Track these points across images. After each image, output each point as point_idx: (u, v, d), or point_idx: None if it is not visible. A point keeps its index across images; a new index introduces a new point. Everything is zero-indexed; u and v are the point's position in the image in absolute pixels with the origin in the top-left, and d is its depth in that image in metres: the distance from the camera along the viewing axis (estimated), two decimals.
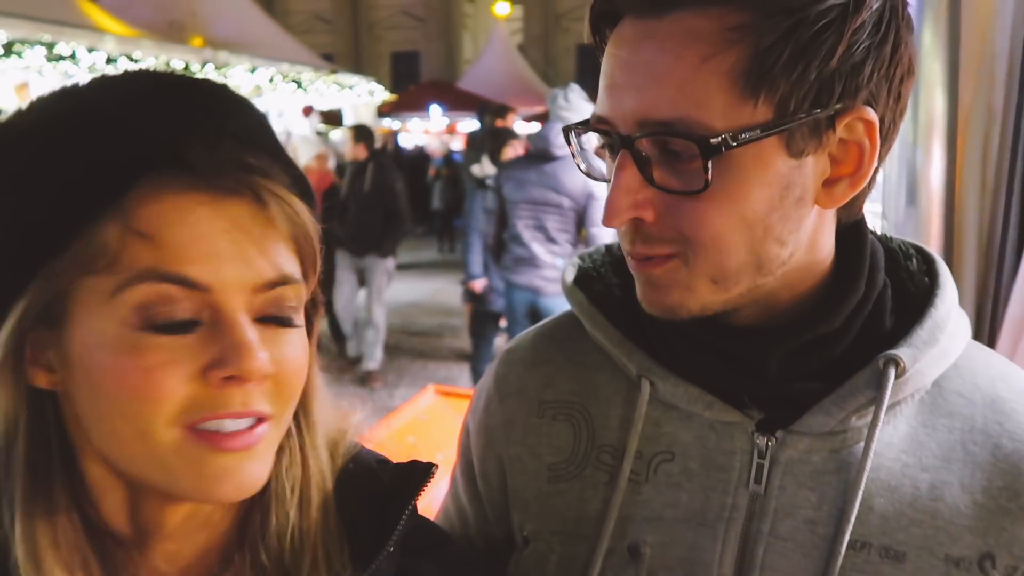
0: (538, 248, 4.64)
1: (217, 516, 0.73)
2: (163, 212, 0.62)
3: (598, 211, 4.65)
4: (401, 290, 10.64)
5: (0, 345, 0.64)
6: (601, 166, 0.85)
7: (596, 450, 0.89)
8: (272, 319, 0.67)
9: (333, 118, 11.76)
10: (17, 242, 0.64)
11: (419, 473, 0.80)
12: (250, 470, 0.66)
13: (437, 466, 0.82)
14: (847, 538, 0.77)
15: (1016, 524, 0.77)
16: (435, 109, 17.67)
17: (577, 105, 4.79)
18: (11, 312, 0.63)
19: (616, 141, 0.75)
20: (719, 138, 0.70)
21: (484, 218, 5.40)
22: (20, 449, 0.65)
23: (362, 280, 6.84)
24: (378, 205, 6.46)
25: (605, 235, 4.68)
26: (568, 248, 4.68)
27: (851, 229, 0.84)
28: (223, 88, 0.70)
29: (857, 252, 0.83)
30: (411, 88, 22.09)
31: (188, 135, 0.63)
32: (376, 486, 0.79)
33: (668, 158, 0.73)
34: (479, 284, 5.61)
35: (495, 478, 0.96)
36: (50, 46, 5.86)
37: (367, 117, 10.91)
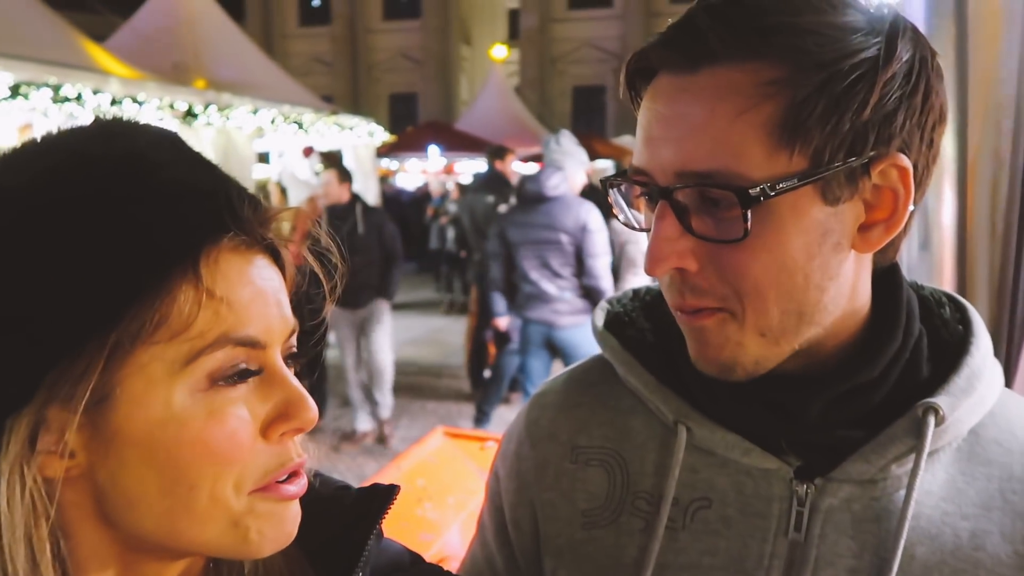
0: (546, 284, 5.03)
1: (198, 565, 0.72)
2: (228, 274, 0.61)
3: (594, 243, 4.97)
4: (398, 329, 10.63)
5: (17, 436, 0.55)
6: (640, 217, 0.86)
7: (632, 496, 0.88)
8: (290, 360, 0.68)
9: (333, 159, 11.86)
10: (48, 321, 0.55)
11: (381, 496, 0.79)
12: (298, 515, 0.67)
13: (399, 487, 0.81)
14: None
15: None
16: (433, 150, 17.83)
17: (569, 149, 5.14)
18: (35, 395, 0.55)
19: (655, 192, 0.77)
20: (757, 189, 0.71)
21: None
22: (22, 552, 0.56)
23: (360, 333, 6.32)
24: (375, 248, 6.06)
25: (603, 266, 4.99)
26: (573, 281, 5.01)
27: (886, 277, 0.85)
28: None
29: (893, 300, 0.84)
30: (409, 129, 22.30)
31: (237, 194, 0.64)
32: (339, 512, 0.78)
33: (707, 207, 0.75)
34: (503, 322, 5.73)
35: (527, 524, 0.95)
36: (56, 88, 5.92)
37: (366, 158, 10.99)
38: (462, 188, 9.58)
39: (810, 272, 0.77)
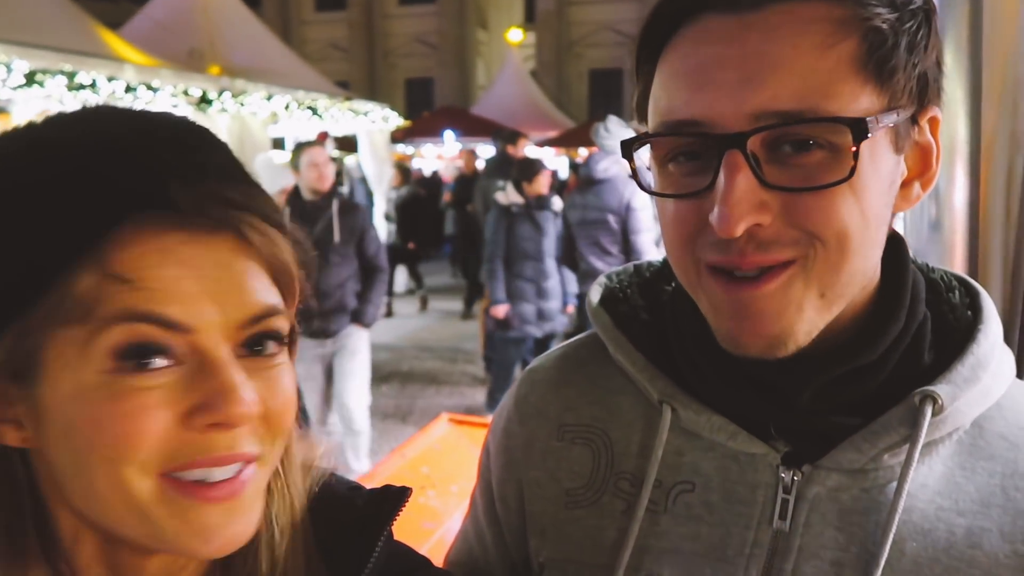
0: (596, 262, 5.34)
1: (196, 563, 0.71)
2: (144, 255, 0.60)
3: (637, 220, 5.26)
4: (412, 314, 10.65)
5: None
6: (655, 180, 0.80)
7: (615, 477, 0.86)
8: (260, 353, 0.65)
9: (347, 144, 11.87)
10: None
11: (393, 498, 0.78)
12: (238, 522, 0.63)
13: (411, 490, 0.80)
14: None
15: None
16: (449, 135, 17.80)
17: (616, 133, 5.34)
18: None
19: (721, 142, 0.70)
20: (866, 121, 0.67)
21: (502, 243, 5.86)
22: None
23: (330, 372, 4.82)
24: (351, 260, 4.71)
25: (647, 242, 5.30)
26: (620, 258, 5.35)
27: (891, 256, 0.81)
28: (197, 126, 0.69)
29: (899, 280, 0.80)
30: (425, 114, 22.27)
31: (169, 174, 0.61)
32: (350, 513, 0.77)
33: (780, 155, 0.70)
34: (502, 309, 5.91)
35: (513, 501, 0.94)
36: (71, 75, 5.95)
37: (381, 143, 10.99)
38: (486, 165, 9.66)
39: (880, 226, 0.73)
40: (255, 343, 0.65)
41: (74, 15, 7.68)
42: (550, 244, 5.97)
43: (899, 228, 1.50)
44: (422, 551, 0.86)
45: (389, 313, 10.44)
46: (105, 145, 0.63)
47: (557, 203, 6.10)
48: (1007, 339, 1.38)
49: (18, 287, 0.59)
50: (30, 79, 5.66)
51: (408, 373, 7.87)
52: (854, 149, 0.67)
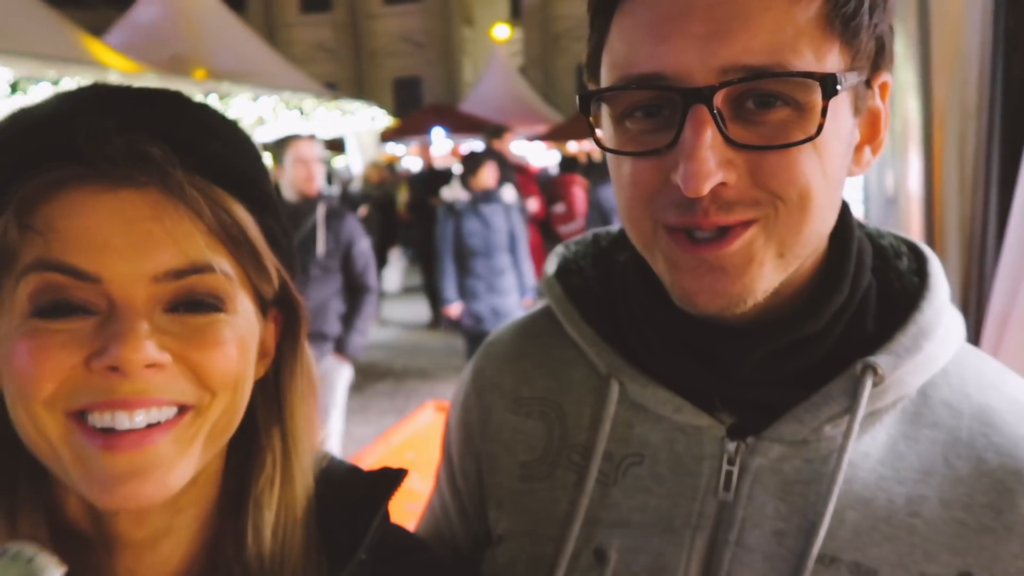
0: None
1: (180, 524, 0.72)
2: (58, 206, 0.63)
3: None
4: (405, 312, 10.67)
5: None
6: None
7: (567, 450, 0.87)
8: (183, 307, 0.66)
9: (335, 145, 11.88)
10: None
11: (390, 479, 0.79)
12: (145, 478, 0.63)
13: (407, 471, 0.81)
14: (815, 552, 0.73)
15: (999, 543, 0.73)
16: (438, 132, 17.78)
17: None
18: None
19: (687, 96, 0.67)
20: (837, 77, 0.67)
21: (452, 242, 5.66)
22: None
23: None
24: (336, 275, 4.08)
25: None
26: None
27: (838, 222, 0.79)
28: (165, 92, 0.70)
29: (843, 249, 0.80)
30: (413, 113, 22.25)
31: (79, 128, 0.63)
32: (348, 494, 0.78)
33: (745, 112, 0.69)
34: (454, 308, 5.82)
35: (473, 474, 0.95)
36: (55, 82, 5.95)
37: (370, 143, 11.00)
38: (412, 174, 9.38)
39: (838, 187, 0.73)
40: (188, 300, 0.66)
41: (57, 23, 7.67)
42: (499, 238, 5.75)
43: (858, 204, 1.55)
44: None
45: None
46: (45, 107, 0.67)
47: (508, 194, 5.87)
48: (963, 307, 1.43)
49: None
50: (14, 88, 5.66)
51: (403, 370, 7.89)
52: (823, 105, 0.67)
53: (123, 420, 0.62)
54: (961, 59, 1.38)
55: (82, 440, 0.63)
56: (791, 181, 0.69)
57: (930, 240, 1.43)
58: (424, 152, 11.13)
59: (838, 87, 0.67)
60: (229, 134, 0.72)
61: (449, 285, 5.75)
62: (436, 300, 8.64)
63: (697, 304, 0.73)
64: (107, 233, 0.63)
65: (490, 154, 6.36)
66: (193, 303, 0.66)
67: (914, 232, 1.43)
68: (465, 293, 5.74)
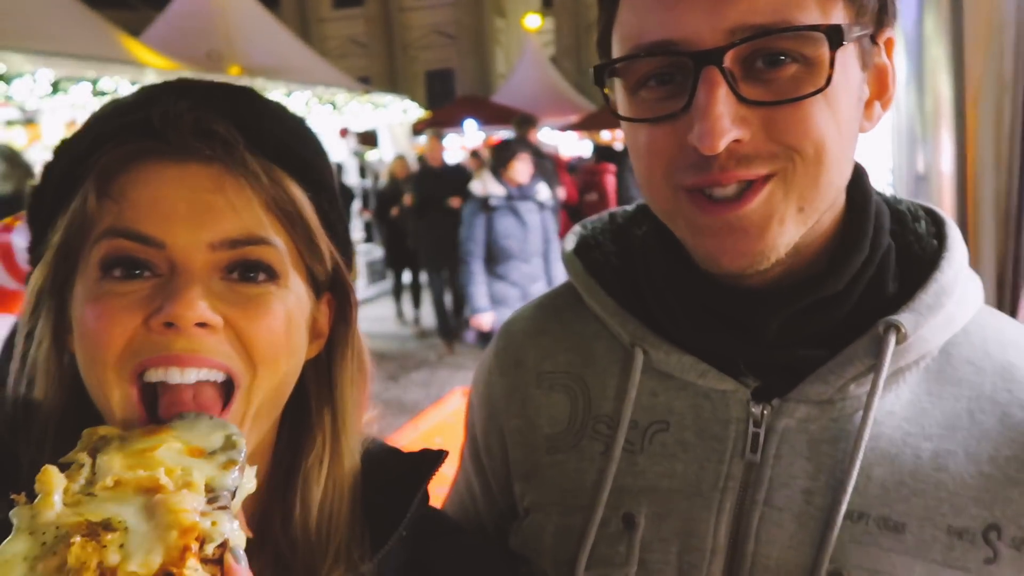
0: None
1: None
2: (132, 176, 0.69)
3: None
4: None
5: (41, 318, 0.72)
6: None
7: (592, 420, 0.89)
8: (238, 274, 0.70)
9: (368, 139, 11.96)
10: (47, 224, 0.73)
11: (430, 460, 0.82)
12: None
13: (447, 452, 0.83)
14: (844, 508, 0.75)
15: None
16: (470, 124, 17.79)
17: None
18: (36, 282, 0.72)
19: (698, 59, 0.70)
20: (842, 28, 0.69)
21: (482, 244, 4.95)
22: (53, 414, 0.71)
23: None
24: None
25: None
26: None
27: (855, 186, 0.81)
28: (239, 88, 0.76)
29: (862, 211, 0.81)
30: (446, 105, 22.28)
31: (155, 108, 0.69)
32: (389, 474, 0.81)
33: (755, 71, 0.71)
34: (487, 319, 5.13)
35: (497, 450, 0.97)
36: (94, 82, 6.09)
37: (402, 135, 11.06)
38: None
39: (851, 139, 0.75)
40: (243, 268, 0.70)
41: (96, 23, 7.84)
42: (536, 240, 5.17)
43: (887, 180, 1.51)
44: None
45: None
46: (132, 95, 0.74)
47: (543, 192, 5.32)
48: (1000, 282, 1.40)
49: (57, 200, 0.72)
50: (55, 87, 5.80)
51: (438, 360, 7.93)
52: (830, 56, 0.68)
53: (175, 375, 0.66)
54: (996, 30, 1.34)
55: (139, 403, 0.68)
56: (805, 133, 0.70)
57: (963, 217, 1.40)
58: (435, 148, 8.52)
59: (843, 39, 0.69)
60: (293, 124, 0.78)
61: (480, 291, 5.10)
62: (419, 305, 7.85)
63: (721, 264, 0.75)
64: (173, 202, 0.68)
65: (522, 144, 5.82)
66: (247, 272, 0.70)
67: (946, 209, 1.39)
68: (496, 301, 5.11)
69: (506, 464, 0.96)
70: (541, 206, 5.26)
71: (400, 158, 10.00)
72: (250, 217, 0.70)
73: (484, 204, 5.19)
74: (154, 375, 0.67)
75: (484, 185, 5.22)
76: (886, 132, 0.78)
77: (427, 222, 7.77)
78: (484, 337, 5.33)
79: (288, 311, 0.72)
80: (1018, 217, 1.32)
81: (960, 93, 1.36)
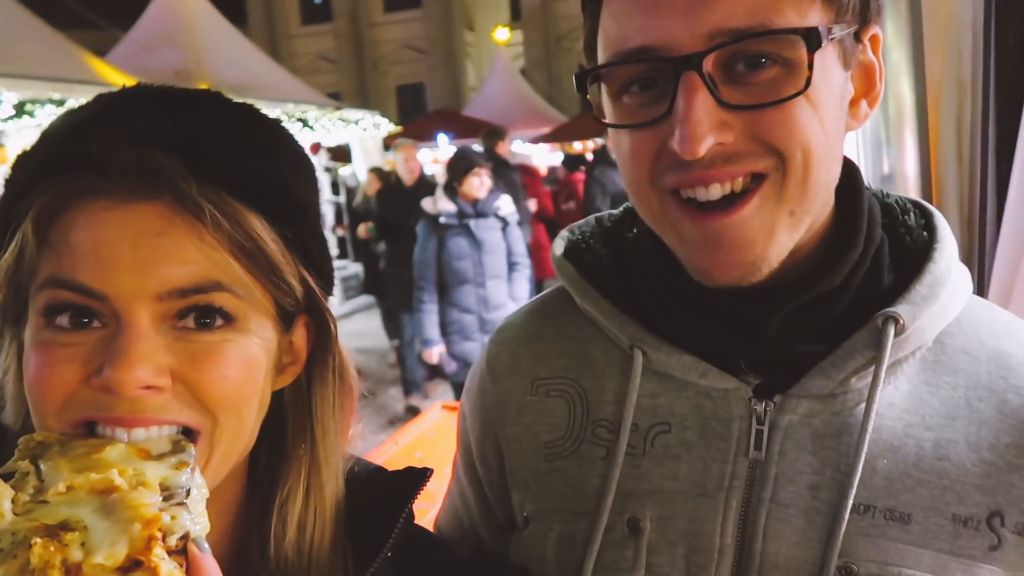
0: None
1: (223, 518, 0.73)
2: (72, 218, 0.64)
3: None
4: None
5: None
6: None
7: (592, 425, 0.88)
8: (192, 320, 0.65)
9: (340, 154, 11.92)
10: None
11: (414, 478, 0.80)
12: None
13: (432, 471, 0.82)
14: (851, 502, 0.75)
15: None
16: (442, 138, 17.80)
17: None
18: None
19: (677, 64, 0.70)
20: (819, 30, 0.69)
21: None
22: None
23: None
24: None
25: None
26: None
27: (846, 183, 0.82)
28: (200, 98, 0.69)
29: (854, 206, 0.82)
30: (417, 119, 22.29)
31: (93, 139, 0.63)
32: (373, 494, 0.79)
33: (735, 75, 0.71)
34: (434, 352, 4.57)
35: (493, 459, 0.95)
36: (60, 103, 6.02)
37: (374, 150, 11.04)
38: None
39: (837, 138, 0.75)
40: (196, 315, 0.65)
41: (61, 44, 7.75)
42: (496, 262, 4.60)
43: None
44: None
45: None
46: (74, 115, 0.68)
47: (506, 206, 4.78)
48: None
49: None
50: (20, 110, 5.72)
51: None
52: (809, 59, 0.69)
53: (122, 435, 0.63)
54: (954, 32, 1.37)
55: None
56: (790, 135, 0.71)
57: None
58: (410, 160, 6.82)
59: (822, 40, 0.69)
60: (260, 139, 0.71)
61: (430, 321, 4.56)
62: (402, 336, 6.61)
63: (712, 278, 0.76)
64: (115, 249, 0.62)
65: (481, 156, 5.27)
66: (201, 318, 0.65)
67: None
68: (448, 331, 4.59)
69: (503, 474, 0.94)
70: (504, 222, 4.74)
71: (375, 171, 9.20)
72: (202, 261, 0.64)
73: (435, 222, 4.70)
74: (102, 431, 0.64)
75: (435, 202, 4.74)
76: (851, 135, 0.79)
77: (392, 250, 6.58)
78: (434, 371, 4.82)
79: (247, 357, 0.68)
80: (981, 216, 1.35)
81: (922, 96, 1.38)
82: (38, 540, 0.54)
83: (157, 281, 0.63)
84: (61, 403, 0.63)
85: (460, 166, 4.72)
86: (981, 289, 1.36)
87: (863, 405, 0.78)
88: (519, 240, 4.81)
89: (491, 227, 4.65)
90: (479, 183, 4.67)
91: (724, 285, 0.76)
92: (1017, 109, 1.28)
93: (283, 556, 0.73)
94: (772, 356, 0.81)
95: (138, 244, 0.63)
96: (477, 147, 6.92)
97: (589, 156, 11.61)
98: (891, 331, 0.77)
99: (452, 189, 4.70)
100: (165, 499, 0.59)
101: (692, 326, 0.83)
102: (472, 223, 4.61)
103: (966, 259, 1.38)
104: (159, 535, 0.56)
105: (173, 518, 0.58)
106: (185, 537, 0.58)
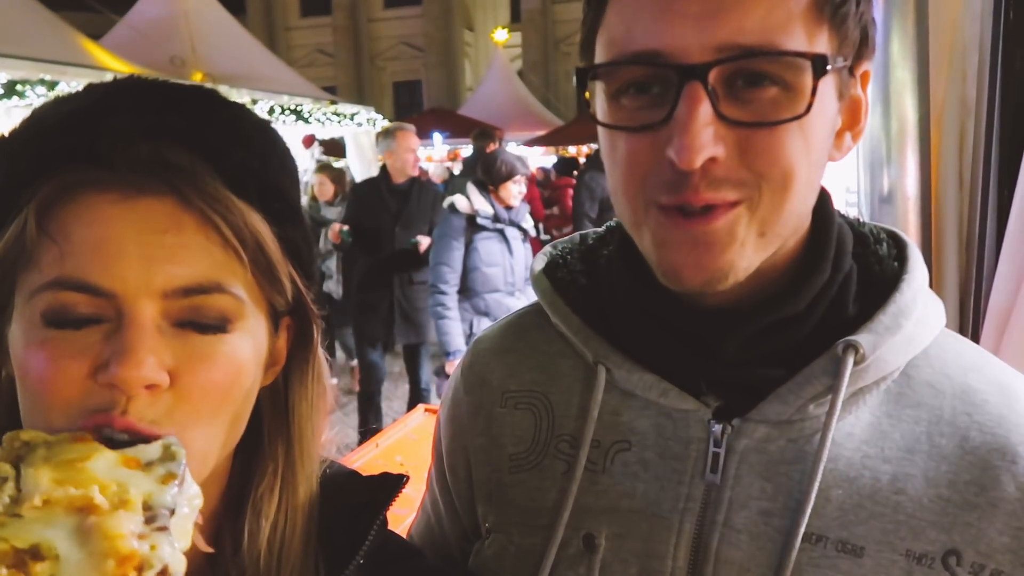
0: None
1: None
2: (75, 211, 0.62)
3: None
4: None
5: None
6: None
7: (555, 439, 0.87)
8: (190, 325, 0.64)
9: (335, 148, 11.86)
10: None
11: (389, 485, 0.79)
12: None
13: (408, 477, 0.80)
14: (802, 530, 0.74)
15: (983, 520, 0.74)
16: (437, 137, 17.79)
17: None
18: None
19: (683, 72, 0.69)
20: (827, 58, 0.69)
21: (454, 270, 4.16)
22: None
23: None
24: None
25: None
26: None
27: (818, 208, 0.82)
28: (197, 90, 0.68)
29: (824, 233, 0.82)
30: (413, 117, 22.27)
31: (104, 131, 0.62)
32: (348, 499, 0.78)
33: (736, 90, 0.70)
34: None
35: (462, 470, 0.95)
36: (51, 85, 5.94)
37: (368, 146, 10.98)
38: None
39: (819, 169, 0.75)
40: (195, 315, 0.64)
41: (55, 26, 7.67)
42: (522, 273, 4.35)
43: (852, 202, 1.52)
44: None
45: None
46: (72, 103, 0.65)
47: (529, 219, 4.55)
48: (962, 307, 1.41)
49: None
50: (10, 90, 5.65)
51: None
52: (813, 85, 0.68)
53: (121, 435, 0.62)
54: (960, 54, 1.36)
55: None
56: (776, 160, 0.70)
57: (928, 240, 1.40)
58: (405, 149, 5.55)
59: (827, 68, 0.69)
60: (256, 140, 0.71)
61: (455, 329, 4.18)
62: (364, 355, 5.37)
63: (682, 278, 0.74)
64: (122, 244, 0.61)
65: (519, 162, 4.63)
66: (197, 321, 0.64)
67: (911, 233, 1.40)
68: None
69: (470, 484, 0.94)
70: (525, 234, 4.47)
71: (324, 170, 7.01)
72: (207, 260, 0.64)
73: (470, 223, 4.25)
74: (110, 432, 0.62)
75: (471, 201, 4.28)
76: (852, 154, 0.78)
77: (364, 261, 5.18)
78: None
79: (240, 362, 0.67)
80: (980, 240, 1.34)
81: (925, 116, 1.37)
82: (3, 571, 0.51)
83: (164, 278, 0.62)
84: (69, 400, 0.61)
85: (502, 170, 4.33)
86: (977, 314, 1.34)
87: (820, 433, 0.77)
88: (531, 254, 4.54)
89: (516, 237, 4.43)
90: (518, 191, 4.37)
91: (691, 289, 0.75)
92: (1021, 133, 1.27)
93: (254, 556, 0.72)
94: (733, 379, 0.80)
95: (146, 241, 0.62)
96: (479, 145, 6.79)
97: (582, 160, 11.60)
98: (850, 360, 0.76)
99: (485, 188, 4.33)
100: (147, 521, 0.57)
101: (654, 343, 0.82)
102: (508, 231, 4.35)
103: (963, 281, 1.37)
104: (133, 574, 0.53)
105: (152, 548, 0.55)
106: (164, 572, 0.55)
